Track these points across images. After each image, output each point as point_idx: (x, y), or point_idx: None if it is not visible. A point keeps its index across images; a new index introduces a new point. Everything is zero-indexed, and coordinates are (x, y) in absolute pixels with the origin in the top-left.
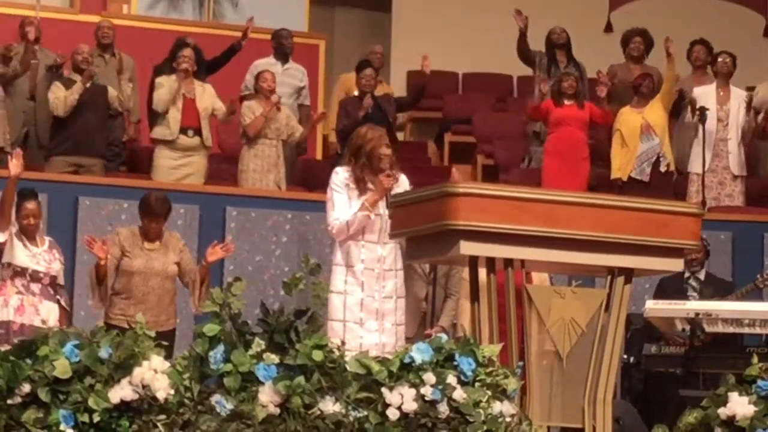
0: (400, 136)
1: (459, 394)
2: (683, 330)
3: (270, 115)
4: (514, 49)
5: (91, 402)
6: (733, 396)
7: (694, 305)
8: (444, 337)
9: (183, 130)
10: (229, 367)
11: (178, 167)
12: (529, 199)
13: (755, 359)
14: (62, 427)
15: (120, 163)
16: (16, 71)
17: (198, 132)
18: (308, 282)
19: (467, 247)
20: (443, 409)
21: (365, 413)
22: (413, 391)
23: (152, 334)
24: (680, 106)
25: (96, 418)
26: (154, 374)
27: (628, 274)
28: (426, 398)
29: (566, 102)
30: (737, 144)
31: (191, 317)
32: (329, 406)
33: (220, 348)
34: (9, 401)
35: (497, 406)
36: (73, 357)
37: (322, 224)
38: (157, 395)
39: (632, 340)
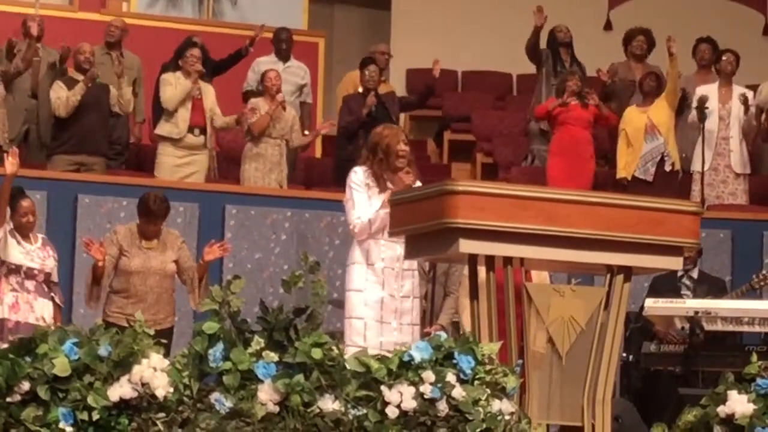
0: None
1: (458, 392)
2: (682, 328)
3: (275, 114)
4: (513, 47)
5: (90, 400)
6: (733, 394)
7: (693, 304)
8: (443, 335)
9: (190, 129)
10: (228, 365)
11: (181, 165)
12: (529, 198)
13: (754, 357)
14: (61, 425)
15: (122, 162)
16: (19, 68)
17: (203, 131)
18: (307, 280)
19: (466, 246)
20: (442, 407)
21: (364, 411)
22: (412, 389)
23: (151, 332)
24: (684, 105)
25: (95, 416)
26: (154, 372)
27: (627, 272)
28: (425, 396)
29: (571, 101)
30: (739, 142)
31: (190, 315)
32: (328, 404)
33: (220, 346)
34: (8, 399)
35: (496, 405)
36: (73, 355)
37: (322, 222)
38: (156, 393)
39: (631, 339)
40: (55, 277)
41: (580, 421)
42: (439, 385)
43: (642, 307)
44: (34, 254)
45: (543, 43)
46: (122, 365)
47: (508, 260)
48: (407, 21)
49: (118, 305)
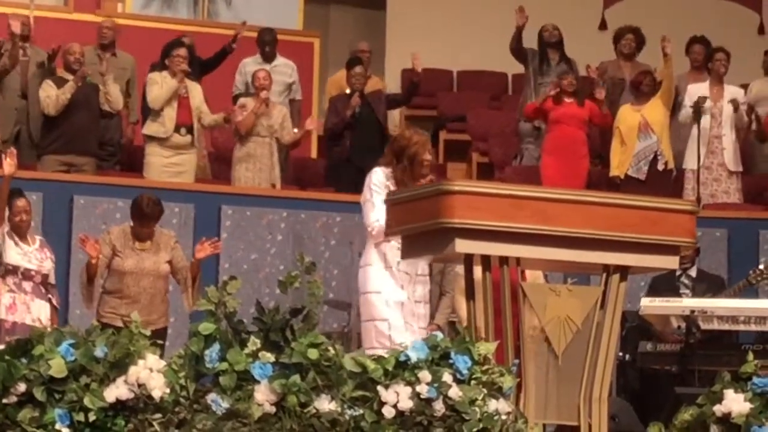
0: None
1: (455, 392)
2: (678, 327)
3: (260, 111)
4: (508, 47)
5: (86, 401)
6: (729, 393)
7: (689, 302)
8: (439, 335)
9: (176, 128)
10: (224, 365)
11: (170, 165)
12: (524, 197)
13: (750, 356)
14: (58, 426)
15: (115, 163)
16: (5, 66)
17: (190, 130)
18: (303, 280)
19: (462, 245)
20: (439, 407)
21: (361, 412)
22: (409, 389)
23: (147, 332)
24: (676, 104)
25: (92, 417)
26: (150, 373)
27: (624, 271)
28: (422, 396)
29: (566, 100)
30: (732, 140)
31: (186, 316)
32: (325, 404)
33: (216, 347)
34: (4, 400)
35: (493, 404)
36: (69, 356)
37: (317, 222)
38: (152, 394)
39: (627, 338)
40: (52, 279)
41: (577, 421)
42: (436, 385)
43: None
44: (32, 255)
45: (533, 43)
46: (118, 366)
47: (504, 260)
48: (402, 21)
49: (112, 305)
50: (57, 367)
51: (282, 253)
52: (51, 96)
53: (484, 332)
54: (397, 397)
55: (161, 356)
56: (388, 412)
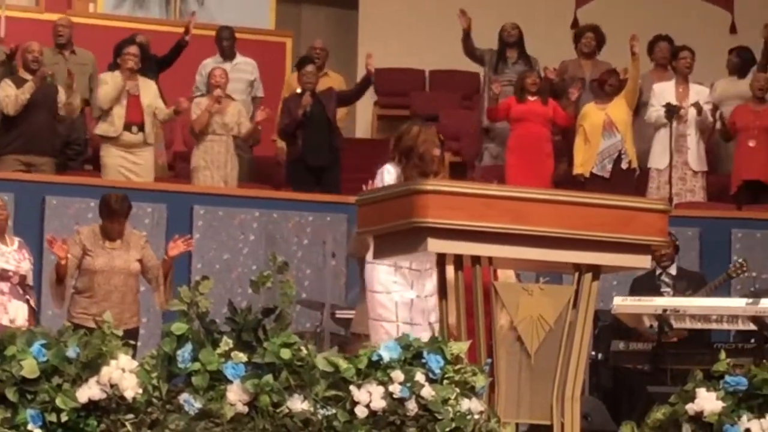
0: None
1: (427, 391)
2: (651, 326)
3: (213, 109)
4: (480, 46)
5: (58, 401)
6: (701, 392)
7: (661, 301)
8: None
9: (127, 127)
10: (197, 365)
11: (125, 164)
12: (497, 197)
13: (723, 355)
14: (30, 426)
15: (83, 161)
16: None
17: (142, 128)
18: (276, 280)
19: (435, 245)
20: (412, 406)
21: (334, 411)
22: (381, 388)
23: (120, 333)
24: (640, 103)
25: (64, 418)
26: (122, 373)
27: (596, 270)
28: (394, 396)
29: (530, 98)
30: (697, 140)
31: (158, 316)
32: (297, 404)
33: (188, 347)
34: None
35: (465, 404)
36: (41, 356)
37: (290, 222)
38: (125, 394)
39: (600, 337)
40: (30, 280)
41: (550, 420)
42: (408, 384)
43: None
44: (10, 256)
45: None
46: (91, 367)
47: (476, 259)
48: (374, 20)
49: (83, 306)
50: (29, 368)
51: (254, 253)
52: (10, 96)
53: (456, 331)
54: (369, 396)
55: (133, 356)
56: (361, 411)
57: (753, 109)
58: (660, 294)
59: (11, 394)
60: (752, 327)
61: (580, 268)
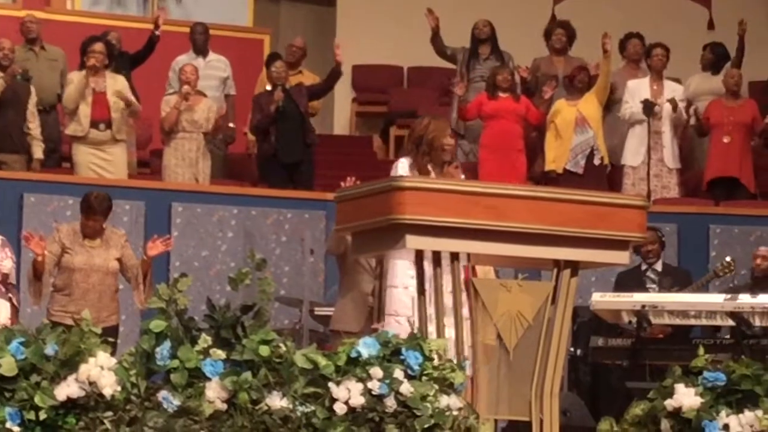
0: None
1: (406, 388)
2: (629, 322)
3: (180, 106)
4: (458, 43)
5: (37, 399)
6: (680, 387)
7: (640, 297)
8: (391, 331)
9: (94, 124)
10: (175, 363)
11: (97, 162)
12: (475, 193)
13: (701, 351)
14: (8, 424)
15: (61, 158)
16: None
17: (109, 125)
18: (254, 277)
19: (413, 241)
20: (390, 403)
21: (312, 408)
22: (360, 385)
23: (98, 330)
24: (612, 99)
25: (42, 416)
26: (101, 371)
27: (574, 267)
28: (373, 392)
29: (501, 95)
30: (671, 137)
31: (137, 314)
32: (276, 401)
33: (167, 344)
34: None
35: (444, 400)
36: (19, 354)
37: (268, 219)
38: (103, 392)
39: (579, 333)
40: (13, 279)
41: (528, 416)
42: (387, 381)
43: None
44: None
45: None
46: (69, 364)
47: (455, 256)
48: (353, 17)
49: (61, 303)
50: (7, 366)
51: (233, 250)
52: None
53: (434, 328)
54: (348, 393)
55: (113, 354)
56: (340, 408)
57: (726, 105)
58: (646, 290)
59: None
60: (730, 323)
61: (558, 264)
